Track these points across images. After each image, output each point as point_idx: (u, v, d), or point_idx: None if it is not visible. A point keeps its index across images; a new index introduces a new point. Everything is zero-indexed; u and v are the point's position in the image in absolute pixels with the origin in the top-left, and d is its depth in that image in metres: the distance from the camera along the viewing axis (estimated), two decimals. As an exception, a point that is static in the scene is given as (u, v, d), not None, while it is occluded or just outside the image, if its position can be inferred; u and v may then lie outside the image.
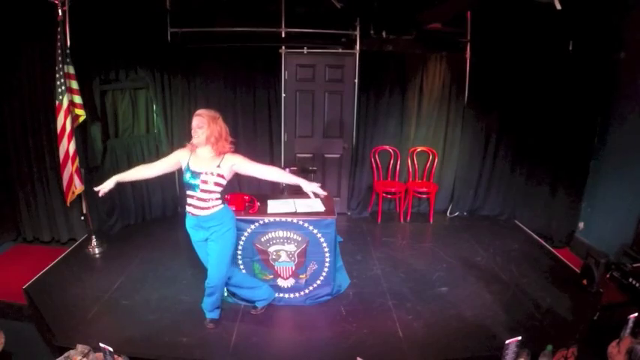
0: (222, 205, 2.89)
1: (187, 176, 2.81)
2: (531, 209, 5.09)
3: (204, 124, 2.76)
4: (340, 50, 4.98)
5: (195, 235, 2.95)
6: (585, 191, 4.56)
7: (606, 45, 4.13)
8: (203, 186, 2.78)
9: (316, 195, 2.96)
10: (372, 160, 5.26)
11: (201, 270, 3.17)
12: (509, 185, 5.27)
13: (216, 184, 2.81)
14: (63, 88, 3.82)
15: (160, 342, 2.95)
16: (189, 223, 2.93)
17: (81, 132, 4.14)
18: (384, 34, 4.85)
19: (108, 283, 3.64)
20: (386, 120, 5.17)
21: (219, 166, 2.81)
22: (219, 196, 2.86)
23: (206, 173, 2.78)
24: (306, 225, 3.31)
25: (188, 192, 2.84)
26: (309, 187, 2.91)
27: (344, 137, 5.27)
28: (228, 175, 2.86)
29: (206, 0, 4.60)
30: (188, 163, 2.84)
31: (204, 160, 2.83)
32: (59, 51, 3.77)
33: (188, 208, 2.86)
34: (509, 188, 5.28)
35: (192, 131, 2.79)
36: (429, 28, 4.86)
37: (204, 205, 2.82)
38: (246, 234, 3.32)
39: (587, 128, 4.40)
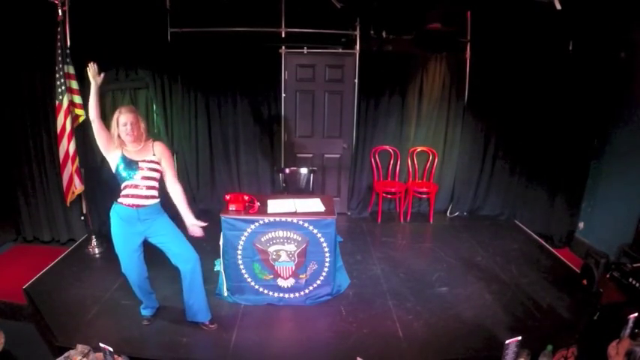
0: (159, 199, 2.88)
1: (121, 167, 2.72)
2: (531, 209, 5.09)
3: (137, 119, 2.75)
4: (340, 50, 4.99)
5: (129, 229, 2.81)
6: (585, 191, 4.56)
7: (606, 45, 4.13)
8: (142, 173, 2.74)
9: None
10: (372, 160, 5.25)
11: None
12: (509, 185, 5.27)
13: (154, 169, 2.79)
14: (63, 88, 3.83)
15: (160, 342, 2.95)
16: (123, 216, 2.77)
17: (81, 132, 4.14)
18: (384, 34, 4.85)
19: (108, 283, 3.64)
20: (386, 120, 5.17)
21: (154, 154, 2.81)
22: (158, 185, 2.84)
23: (144, 161, 2.76)
24: (306, 225, 3.31)
25: (126, 183, 2.75)
26: (191, 221, 2.94)
27: (344, 137, 5.27)
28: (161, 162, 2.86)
29: (206, 0, 4.60)
30: (122, 154, 2.74)
31: (136, 151, 2.79)
32: (59, 51, 3.78)
33: (127, 200, 2.75)
34: (509, 188, 5.28)
35: (128, 128, 2.70)
36: (429, 28, 4.85)
37: (148, 194, 2.78)
38: (246, 234, 3.32)
39: (587, 128, 4.39)
